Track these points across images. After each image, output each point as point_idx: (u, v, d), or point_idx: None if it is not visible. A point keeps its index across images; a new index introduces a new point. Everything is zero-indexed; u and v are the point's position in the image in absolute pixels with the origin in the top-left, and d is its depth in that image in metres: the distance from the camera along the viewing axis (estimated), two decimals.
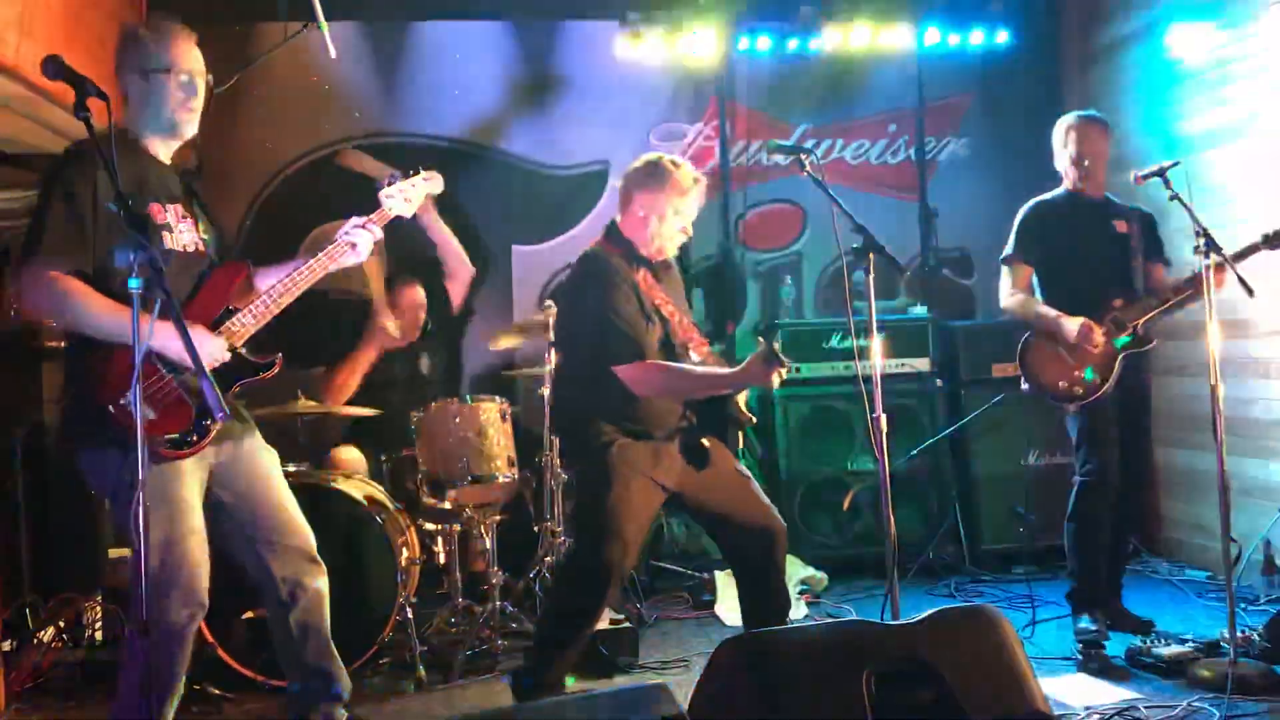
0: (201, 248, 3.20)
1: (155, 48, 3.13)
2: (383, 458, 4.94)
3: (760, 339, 3.52)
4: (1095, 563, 4.43)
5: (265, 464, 3.32)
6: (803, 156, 3.72)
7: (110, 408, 2.91)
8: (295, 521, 3.33)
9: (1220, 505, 3.82)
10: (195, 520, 3.09)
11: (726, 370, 3.65)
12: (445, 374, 5.70)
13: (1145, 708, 3.63)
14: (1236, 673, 3.69)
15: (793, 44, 6.45)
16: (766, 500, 3.77)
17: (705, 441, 3.66)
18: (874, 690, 2.75)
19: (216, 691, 4.09)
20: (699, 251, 6.47)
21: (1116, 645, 4.25)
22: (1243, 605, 4.74)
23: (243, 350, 3.16)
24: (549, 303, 5.00)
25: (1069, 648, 4.31)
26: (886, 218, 6.36)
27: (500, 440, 4.59)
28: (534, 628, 4.29)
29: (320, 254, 3.27)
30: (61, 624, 4.51)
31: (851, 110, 6.74)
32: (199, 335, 3.03)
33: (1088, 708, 3.66)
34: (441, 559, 4.79)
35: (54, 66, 2.61)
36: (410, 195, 3.48)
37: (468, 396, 4.67)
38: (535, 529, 5.12)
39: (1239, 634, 3.88)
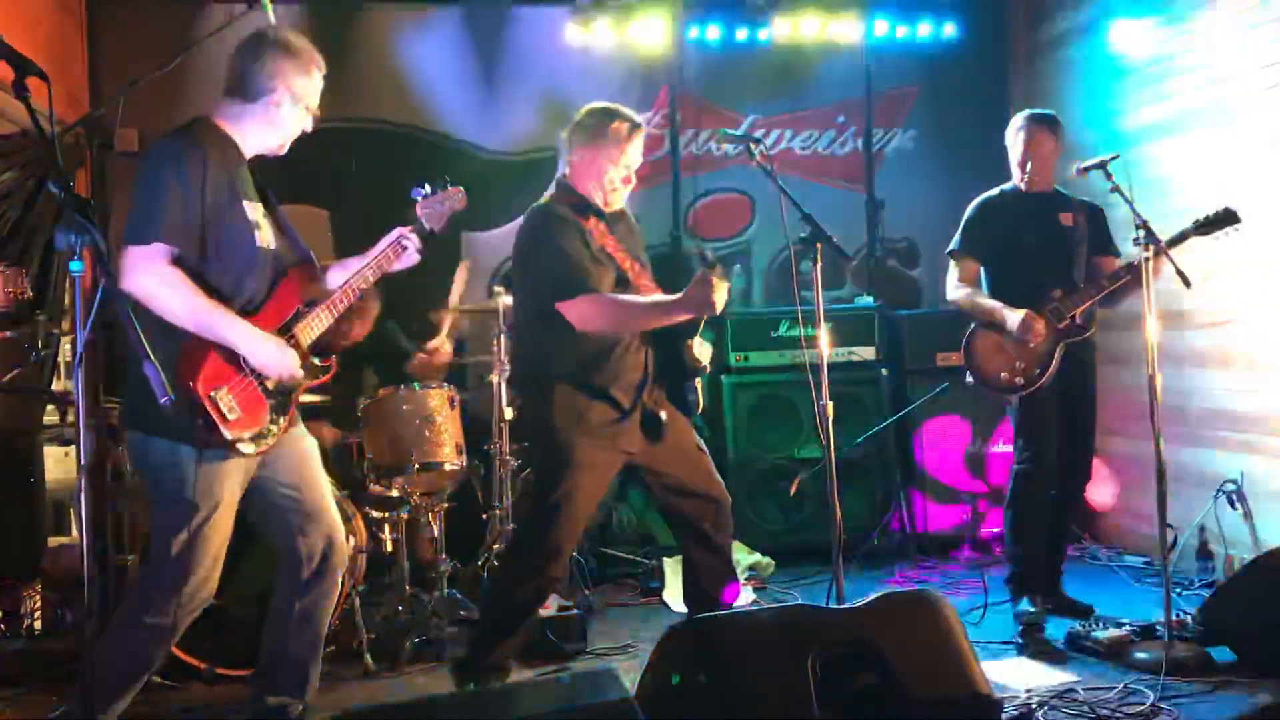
0: (277, 246, 3.22)
1: (309, 81, 3.20)
2: (328, 445, 4.90)
3: (701, 259, 3.51)
4: (1033, 548, 4.52)
5: (309, 450, 3.34)
6: (752, 145, 3.75)
7: (203, 402, 2.91)
8: (332, 511, 3.35)
9: (1157, 493, 3.91)
10: (229, 520, 3.11)
11: (670, 297, 3.60)
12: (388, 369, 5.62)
13: (1084, 689, 3.69)
14: (1172, 655, 3.78)
15: (742, 33, 6.49)
16: (716, 475, 3.83)
17: (663, 414, 3.68)
18: (819, 673, 2.79)
19: (160, 680, 4.03)
20: (648, 240, 6.45)
21: (1056, 629, 4.33)
22: (1178, 590, 4.85)
23: (309, 355, 3.21)
24: (499, 289, 4.97)
25: (1011, 631, 4.38)
26: (834, 208, 6.39)
27: (448, 427, 4.57)
28: (479, 611, 4.28)
29: (371, 259, 3.32)
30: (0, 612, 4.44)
31: (800, 101, 6.77)
32: (289, 353, 3.09)
33: (1028, 690, 3.72)
34: (389, 547, 4.76)
35: None
36: (442, 211, 3.49)
37: (415, 383, 4.64)
38: (484, 516, 5.11)
39: (1174, 618, 3.97)
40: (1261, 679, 3.72)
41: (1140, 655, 3.94)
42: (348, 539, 4.30)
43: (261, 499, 3.24)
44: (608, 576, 5.61)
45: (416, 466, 4.46)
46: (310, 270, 3.33)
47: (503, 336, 4.91)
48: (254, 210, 3.14)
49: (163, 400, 2.67)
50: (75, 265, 2.51)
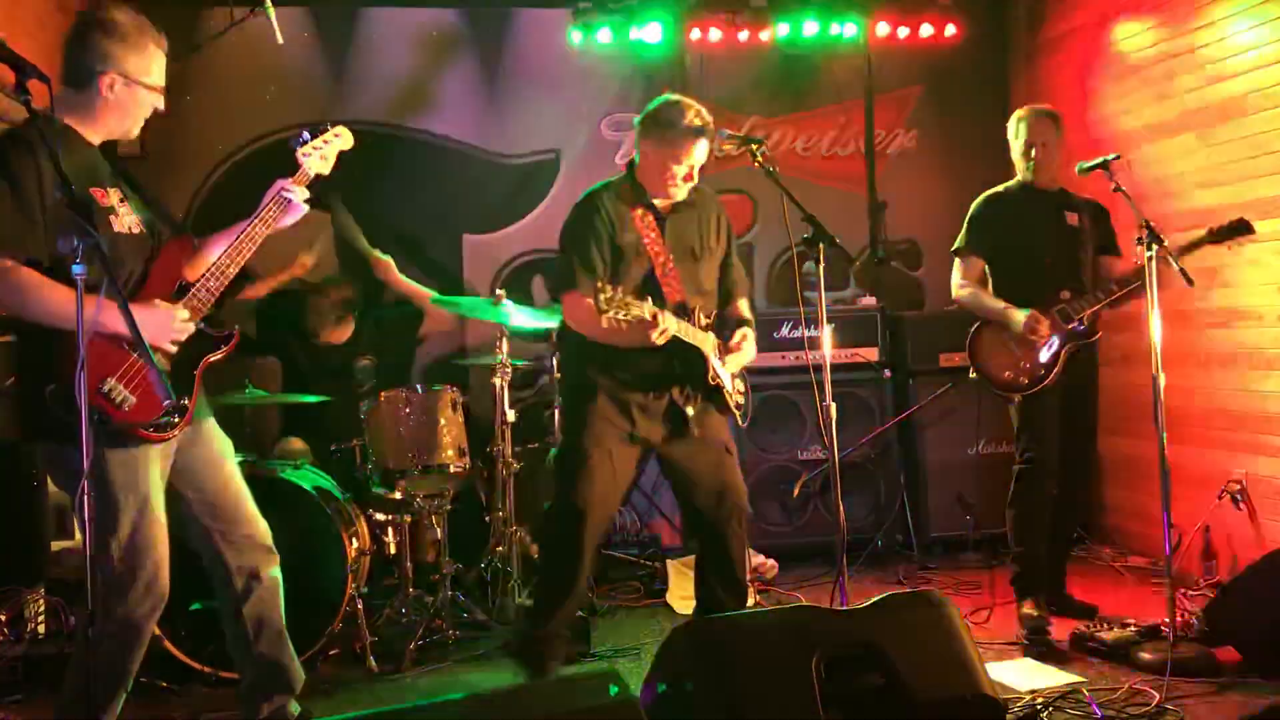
0: (143, 229, 3.13)
1: (143, 58, 3.08)
2: (332, 447, 4.90)
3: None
4: (1036, 549, 4.51)
5: (221, 450, 3.29)
6: (754, 147, 3.74)
7: (92, 397, 2.81)
8: (250, 511, 3.31)
9: (1161, 493, 3.90)
10: (160, 511, 3.05)
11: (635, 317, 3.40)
12: (392, 368, 5.63)
13: (1089, 690, 3.69)
14: (1176, 655, 3.78)
15: (743, 35, 6.47)
16: (737, 479, 3.86)
17: (689, 410, 3.72)
18: (823, 674, 2.79)
19: (162, 684, 4.04)
20: None
21: (1061, 630, 4.32)
22: (1182, 590, 4.84)
23: (202, 325, 3.12)
24: (500, 291, 4.96)
25: (1015, 632, 4.37)
26: (836, 209, 6.39)
27: (451, 430, 4.57)
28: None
29: (255, 219, 3.22)
30: (2, 617, 4.43)
31: (802, 102, 6.77)
32: (160, 311, 3.00)
33: (1033, 690, 3.72)
34: (392, 549, 4.77)
35: None
36: (326, 153, 3.43)
37: (418, 386, 4.65)
38: (486, 519, 5.11)
39: (1179, 618, 3.97)
40: (1266, 679, 3.72)
41: (1145, 655, 3.93)
42: (351, 542, 4.34)
43: (181, 508, 3.19)
44: (611, 579, 5.60)
45: (419, 469, 4.46)
46: (187, 244, 3.23)
47: (504, 339, 4.89)
48: (110, 196, 3.05)
49: (165, 403, 2.68)
50: (77, 268, 2.51)
